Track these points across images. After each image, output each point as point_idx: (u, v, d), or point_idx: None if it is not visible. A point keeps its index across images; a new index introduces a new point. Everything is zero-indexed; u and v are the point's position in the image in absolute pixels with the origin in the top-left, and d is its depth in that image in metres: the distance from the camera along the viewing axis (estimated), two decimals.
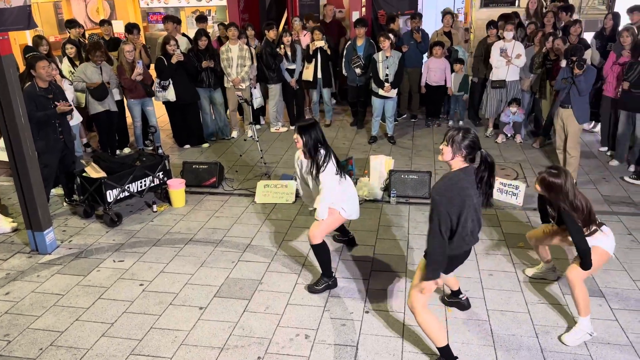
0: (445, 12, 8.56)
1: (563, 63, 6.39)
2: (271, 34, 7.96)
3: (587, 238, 3.43)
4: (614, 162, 6.69)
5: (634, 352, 3.41)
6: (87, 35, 8.84)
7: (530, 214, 5.42)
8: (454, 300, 3.93)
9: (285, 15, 10.61)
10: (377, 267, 4.51)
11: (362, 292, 4.13)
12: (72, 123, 5.98)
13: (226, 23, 8.75)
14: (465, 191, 3.00)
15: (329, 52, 8.11)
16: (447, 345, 3.23)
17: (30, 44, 8.27)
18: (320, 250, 4.10)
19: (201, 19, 8.40)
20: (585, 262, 3.44)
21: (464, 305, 3.89)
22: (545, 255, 4.20)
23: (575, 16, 8.45)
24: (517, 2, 10.83)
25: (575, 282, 3.49)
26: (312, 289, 4.16)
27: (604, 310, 3.84)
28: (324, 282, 4.16)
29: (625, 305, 3.89)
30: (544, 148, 7.36)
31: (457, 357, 3.28)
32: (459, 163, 3.08)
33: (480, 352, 3.44)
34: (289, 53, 8.07)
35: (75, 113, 6.34)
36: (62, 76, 6.47)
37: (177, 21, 8.22)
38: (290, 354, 3.47)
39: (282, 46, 8.00)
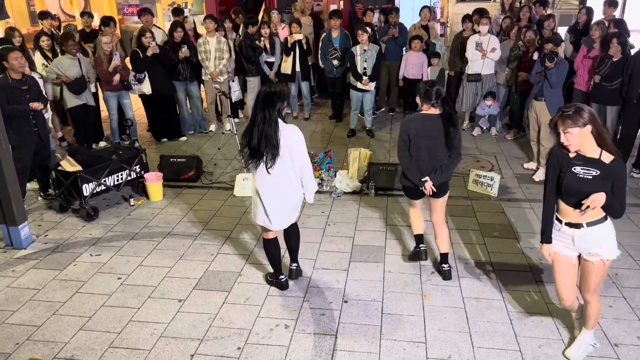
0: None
1: (535, 56, 6.52)
2: (252, 28, 7.94)
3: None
4: None
5: (603, 336, 3.53)
6: (61, 27, 8.67)
7: (504, 204, 5.53)
8: (439, 268, 4.25)
9: (263, 7, 10.56)
10: (356, 258, 4.55)
11: (342, 282, 4.18)
12: (45, 116, 5.87)
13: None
14: (411, 125, 3.86)
15: (305, 47, 8.12)
16: (421, 235, 4.33)
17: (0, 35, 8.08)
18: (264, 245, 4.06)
19: (177, 11, 8.34)
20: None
21: (445, 276, 4.18)
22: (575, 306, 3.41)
23: (549, 10, 8.60)
24: None
25: (594, 299, 3.18)
26: (265, 277, 4.25)
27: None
28: (271, 278, 4.19)
29: None
30: (518, 140, 7.50)
31: (421, 247, 4.35)
32: (428, 109, 3.85)
33: (456, 338, 3.52)
34: (268, 46, 8.05)
35: (47, 107, 6.23)
36: (32, 69, 6.34)
37: (152, 14, 8.12)
38: (270, 343, 3.50)
39: (261, 39, 7.98)
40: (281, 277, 4.08)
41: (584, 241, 3.02)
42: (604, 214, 2.97)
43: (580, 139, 2.87)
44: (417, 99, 3.87)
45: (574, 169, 2.92)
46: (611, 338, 3.50)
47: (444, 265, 4.20)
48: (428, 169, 3.90)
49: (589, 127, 2.84)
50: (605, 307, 3.81)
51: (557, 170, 3.01)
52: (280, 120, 3.55)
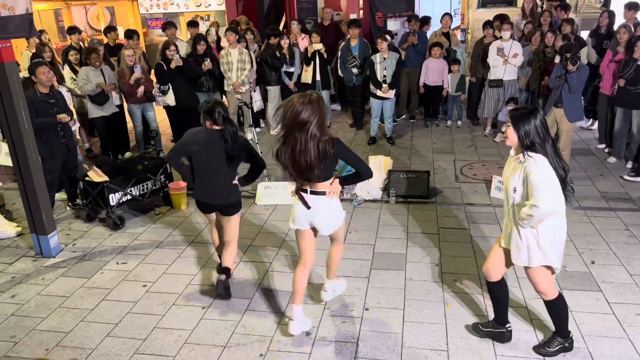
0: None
1: (557, 59, 6.46)
2: (274, 40, 8.06)
3: None
4: (612, 159, 6.75)
5: (630, 344, 3.46)
6: (87, 41, 8.94)
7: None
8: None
9: (284, 19, 10.70)
10: (377, 265, 4.56)
11: (362, 290, 4.19)
12: (73, 128, 6.04)
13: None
14: (195, 139, 3.96)
15: (325, 55, 8.20)
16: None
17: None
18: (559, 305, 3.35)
19: (193, 24, 8.52)
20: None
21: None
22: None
23: (570, 14, 8.53)
24: (515, 1, 10.93)
25: None
26: (541, 350, 3.42)
27: (601, 304, 3.89)
28: (558, 342, 3.40)
29: (622, 299, 3.94)
30: None
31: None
32: (209, 125, 3.95)
33: (479, 346, 3.49)
34: (287, 56, 8.15)
35: (75, 119, 6.39)
36: (60, 83, 6.53)
37: (176, 27, 8.31)
38: (292, 351, 3.53)
39: (284, 49, 8.10)
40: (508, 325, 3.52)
41: None
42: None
43: None
44: (202, 118, 4.02)
45: None
46: (638, 346, 3.43)
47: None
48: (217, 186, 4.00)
49: None
50: (632, 315, 3.74)
51: None
52: None
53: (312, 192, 3.40)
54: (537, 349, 3.43)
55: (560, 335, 3.38)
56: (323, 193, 3.39)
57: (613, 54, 6.65)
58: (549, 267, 3.18)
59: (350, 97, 8.67)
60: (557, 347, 3.38)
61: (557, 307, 3.32)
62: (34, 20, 4.60)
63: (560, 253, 3.18)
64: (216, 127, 3.94)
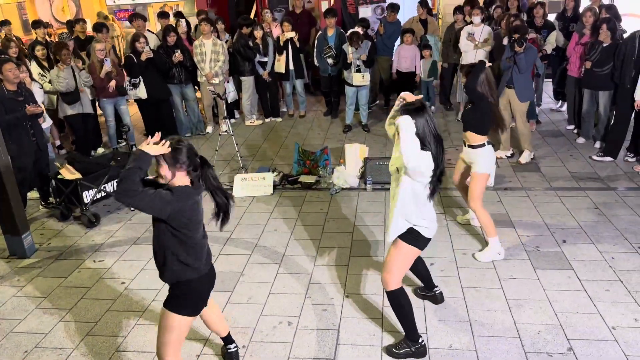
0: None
1: (505, 41, 6.58)
2: (246, 30, 7.98)
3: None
4: (581, 140, 6.91)
5: (601, 319, 3.59)
6: (54, 35, 8.70)
7: (501, 193, 5.59)
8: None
9: (254, 8, 10.59)
10: (356, 253, 4.61)
11: (342, 278, 4.23)
12: (43, 126, 5.91)
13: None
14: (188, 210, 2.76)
15: (297, 44, 8.16)
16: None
17: None
18: (397, 300, 3.28)
19: (163, 14, 8.37)
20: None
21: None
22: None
23: None
24: None
25: (476, 208, 4.33)
26: (390, 349, 3.39)
27: (572, 281, 4.02)
28: (405, 346, 3.35)
29: (592, 276, 4.07)
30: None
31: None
32: (182, 179, 2.71)
33: (456, 327, 3.58)
34: (261, 46, 8.09)
35: (46, 116, 6.25)
36: (32, 79, 6.36)
37: (144, 19, 8.16)
38: (274, 340, 3.56)
39: (256, 40, 8.03)
40: (421, 340, 3.37)
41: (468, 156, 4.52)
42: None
43: None
44: (166, 170, 2.73)
45: None
46: (608, 321, 3.56)
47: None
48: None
49: None
50: (602, 291, 3.87)
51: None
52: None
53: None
54: (388, 347, 3.40)
55: (409, 338, 3.32)
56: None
57: (579, 37, 6.78)
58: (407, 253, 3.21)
59: (325, 89, 8.63)
60: (402, 351, 3.33)
61: (394, 303, 3.28)
62: None
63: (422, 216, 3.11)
64: (188, 184, 2.75)
